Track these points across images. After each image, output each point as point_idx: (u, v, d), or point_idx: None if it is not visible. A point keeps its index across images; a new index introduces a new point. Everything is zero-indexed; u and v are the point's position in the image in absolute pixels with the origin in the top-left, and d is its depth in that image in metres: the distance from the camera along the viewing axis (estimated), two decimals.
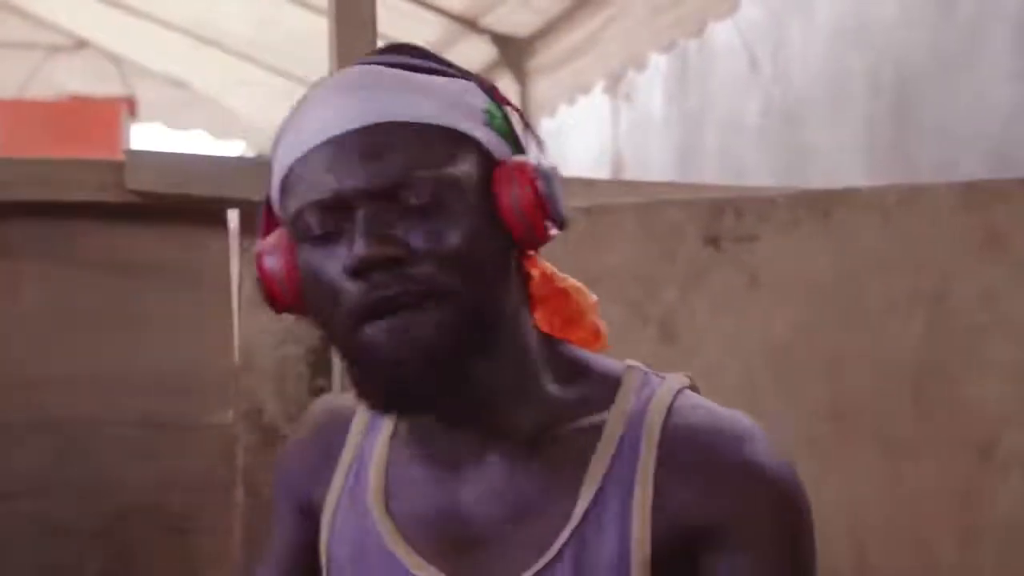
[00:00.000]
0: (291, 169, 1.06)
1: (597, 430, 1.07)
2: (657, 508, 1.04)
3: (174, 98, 6.31)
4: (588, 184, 1.88)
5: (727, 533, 1.03)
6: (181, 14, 5.60)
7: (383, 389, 1.04)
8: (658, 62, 4.70)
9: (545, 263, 1.14)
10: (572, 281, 1.16)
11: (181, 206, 1.78)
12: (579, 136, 5.42)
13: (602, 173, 5.06)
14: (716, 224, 1.77)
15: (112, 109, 5.39)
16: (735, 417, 1.09)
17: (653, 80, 4.96)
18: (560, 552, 1.04)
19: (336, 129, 1.04)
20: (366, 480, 1.13)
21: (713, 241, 1.77)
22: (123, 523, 1.79)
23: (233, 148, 6.63)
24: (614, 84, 5.08)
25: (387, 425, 1.14)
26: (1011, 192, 1.78)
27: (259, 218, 1.15)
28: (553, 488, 1.06)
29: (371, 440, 1.14)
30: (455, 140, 1.05)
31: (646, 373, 1.11)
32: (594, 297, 1.17)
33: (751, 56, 4.63)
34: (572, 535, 1.04)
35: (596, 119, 5.28)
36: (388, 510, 1.11)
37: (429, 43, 5.75)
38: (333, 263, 1.03)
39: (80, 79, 6.11)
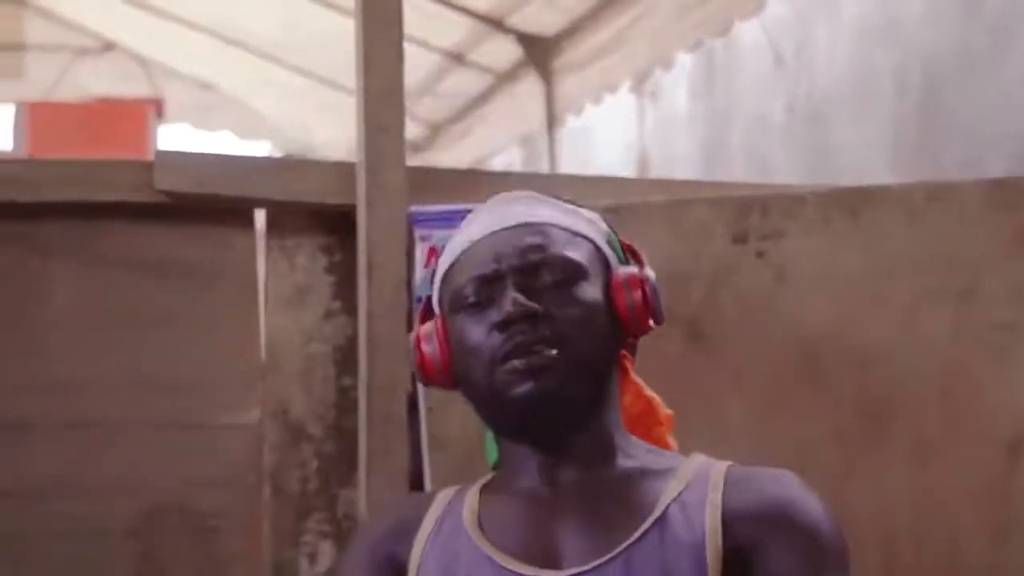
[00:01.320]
0: (456, 259, 1.36)
1: (671, 472, 1.33)
2: (726, 511, 1.27)
3: (200, 99, 6.34)
4: (616, 182, 1.88)
5: (773, 548, 1.26)
6: (207, 15, 5.61)
7: (516, 411, 1.30)
8: (684, 61, 4.69)
9: (636, 376, 1.44)
10: (653, 394, 1.45)
11: (209, 206, 1.79)
12: (605, 134, 5.42)
13: (628, 171, 5.05)
14: (743, 222, 1.76)
15: (140, 110, 5.41)
16: (784, 471, 1.34)
17: (679, 79, 4.94)
18: (645, 533, 1.26)
19: (498, 226, 1.36)
20: (458, 518, 1.33)
21: (741, 239, 1.77)
22: (151, 522, 1.80)
23: (259, 148, 6.65)
24: (640, 83, 5.08)
25: (475, 488, 1.36)
26: None
27: (418, 309, 1.43)
28: (633, 508, 1.29)
29: (458, 499, 1.35)
30: (587, 244, 1.36)
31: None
32: (668, 411, 1.45)
33: (777, 54, 4.61)
34: (655, 523, 1.26)
35: (622, 118, 5.27)
36: (481, 531, 1.31)
37: (455, 43, 5.75)
38: (482, 326, 1.32)
39: (107, 81, 6.14)
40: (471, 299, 1.33)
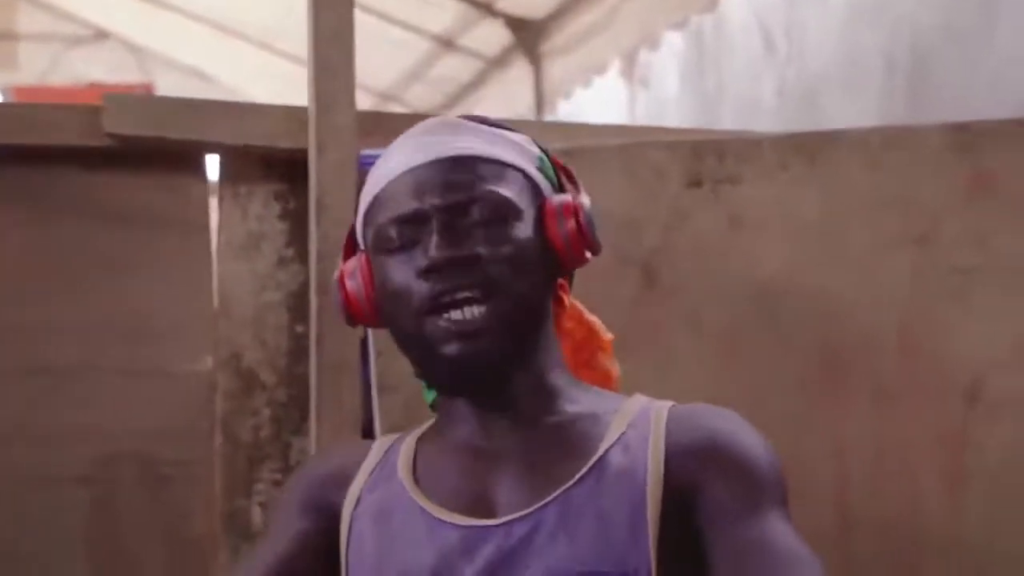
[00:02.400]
0: (376, 196, 1.30)
1: (610, 415, 1.28)
2: (668, 449, 1.24)
3: (195, 88, 6.34)
4: (572, 127, 1.87)
5: (711, 481, 1.22)
6: (201, 3, 5.62)
7: (446, 372, 1.26)
8: (672, 41, 4.67)
9: (574, 300, 1.39)
10: (594, 318, 1.42)
11: (160, 151, 1.78)
12: (595, 118, 5.40)
13: None
14: (698, 166, 1.74)
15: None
16: (726, 409, 1.31)
17: (668, 62, 4.93)
18: (582, 478, 1.22)
19: (417, 161, 1.28)
20: (393, 468, 1.29)
21: (695, 183, 1.75)
22: (105, 469, 1.78)
23: None
24: (629, 67, 5.06)
25: (411, 438, 1.33)
26: (1001, 132, 1.75)
27: (342, 244, 1.37)
28: (573, 453, 1.25)
29: (395, 448, 1.32)
30: (515, 174, 1.30)
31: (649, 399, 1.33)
32: (609, 335, 1.42)
33: (766, 36, 4.59)
34: (593, 466, 1.23)
35: (613, 102, 5.25)
36: (416, 482, 1.28)
37: (444, 27, 5.75)
38: (407, 269, 1.26)
39: (100, 70, 6.15)
40: (395, 242, 1.27)
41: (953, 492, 1.69)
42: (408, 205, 1.26)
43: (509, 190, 1.28)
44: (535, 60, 4.97)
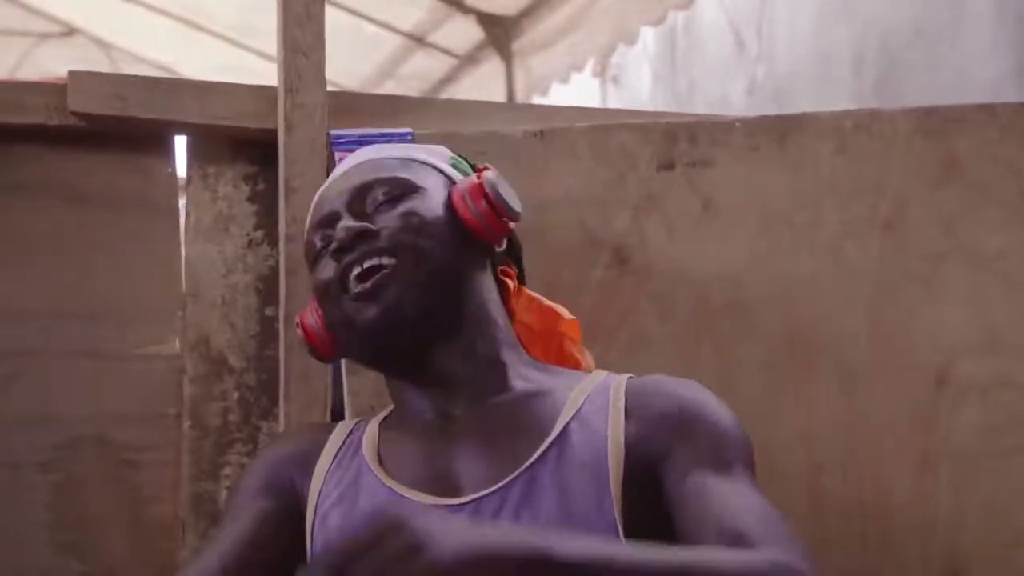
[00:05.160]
0: (309, 219, 1.37)
1: (568, 391, 1.29)
2: (628, 420, 1.24)
3: None
4: (541, 109, 1.86)
5: (678, 447, 1.22)
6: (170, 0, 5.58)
7: (369, 344, 1.27)
8: (647, 41, 4.68)
9: (530, 291, 1.42)
10: (554, 304, 1.44)
11: (127, 131, 1.75)
12: None
13: None
14: (670, 149, 1.74)
15: None
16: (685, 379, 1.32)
17: (641, 61, 4.93)
18: (544, 453, 1.22)
19: (337, 175, 1.37)
20: (358, 450, 1.30)
21: (667, 166, 1.74)
22: (70, 454, 1.75)
23: None
24: (604, 60, 5.06)
25: (374, 423, 1.34)
26: (969, 118, 1.75)
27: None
28: (533, 430, 1.25)
29: (358, 431, 1.33)
30: (422, 166, 1.35)
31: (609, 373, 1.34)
32: (571, 316, 1.44)
33: (737, 35, 4.60)
34: (555, 441, 1.23)
35: (586, 100, 5.25)
36: (380, 464, 1.28)
37: (415, 25, 5.72)
38: (327, 264, 1.30)
39: (69, 65, 6.09)
40: (317, 246, 1.33)
41: (923, 475, 1.69)
42: (322, 210, 1.34)
43: (410, 174, 1.33)
44: (507, 57, 4.96)
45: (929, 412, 1.70)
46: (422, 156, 1.37)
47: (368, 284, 1.25)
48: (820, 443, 1.70)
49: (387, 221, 1.28)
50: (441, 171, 1.36)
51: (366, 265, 1.26)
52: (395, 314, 1.25)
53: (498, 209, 1.31)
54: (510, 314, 1.39)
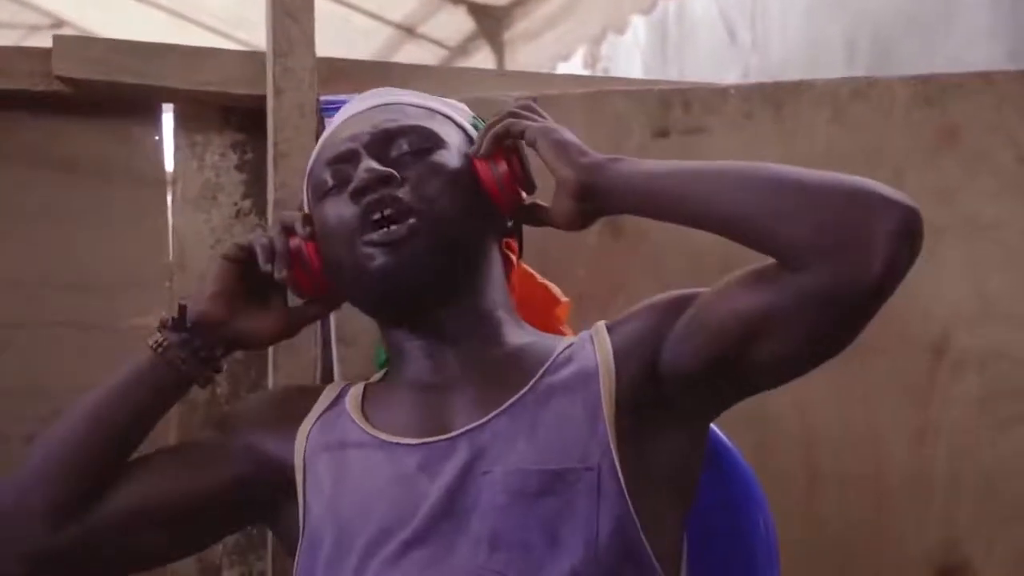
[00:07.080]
0: (316, 152, 1.32)
1: (556, 343, 1.30)
2: (616, 344, 1.25)
3: None
4: (536, 77, 1.84)
5: (672, 322, 1.26)
6: None
7: (379, 290, 1.24)
8: (638, 30, 4.67)
9: (527, 266, 1.42)
10: (548, 283, 1.45)
11: (113, 97, 1.73)
12: None
13: None
14: (664, 116, 1.72)
15: None
16: None
17: (631, 51, 4.92)
18: (532, 387, 1.23)
19: (352, 112, 1.33)
20: (343, 407, 1.29)
21: (662, 133, 1.72)
22: None
23: None
24: (593, 58, 5.05)
25: (358, 385, 1.32)
26: (966, 86, 1.74)
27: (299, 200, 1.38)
28: (524, 373, 1.24)
29: (344, 393, 1.31)
30: (446, 120, 1.32)
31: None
32: (565, 299, 1.44)
33: (729, 25, 4.59)
34: (542, 377, 1.24)
35: None
36: (365, 418, 1.27)
37: (405, 16, 5.70)
38: (340, 202, 1.26)
39: None
40: (329, 183, 1.28)
41: (920, 446, 1.68)
42: (339, 147, 1.29)
43: (436, 127, 1.30)
44: (498, 48, 4.95)
45: (927, 384, 1.68)
46: (446, 110, 1.35)
47: (387, 231, 1.23)
48: (816, 415, 1.68)
49: (411, 173, 1.26)
50: (462, 128, 1.34)
51: (387, 212, 1.24)
52: (407, 272, 1.23)
53: (519, 178, 1.30)
54: (509, 288, 1.38)
